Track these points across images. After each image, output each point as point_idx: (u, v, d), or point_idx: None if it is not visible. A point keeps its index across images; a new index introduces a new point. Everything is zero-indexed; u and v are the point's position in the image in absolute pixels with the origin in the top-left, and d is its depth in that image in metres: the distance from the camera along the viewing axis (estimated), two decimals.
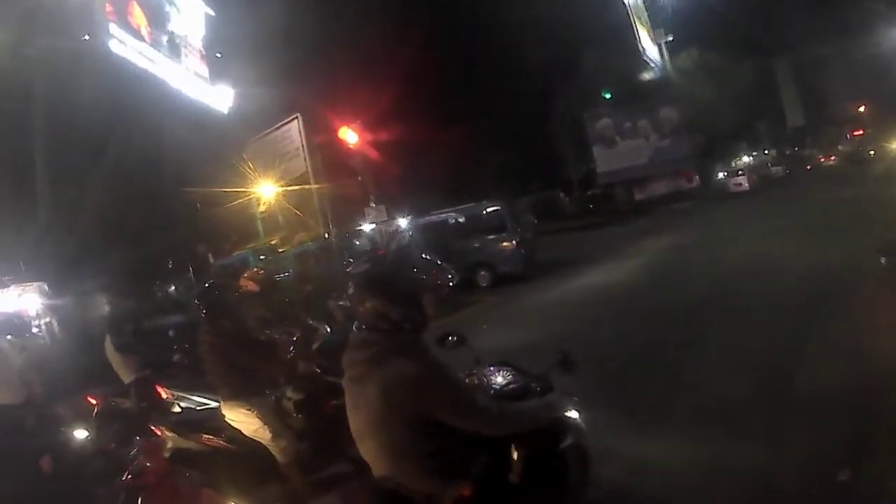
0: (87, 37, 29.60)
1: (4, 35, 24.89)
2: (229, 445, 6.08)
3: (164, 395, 7.95)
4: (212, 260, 33.22)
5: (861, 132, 78.73)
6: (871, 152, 55.92)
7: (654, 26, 57.71)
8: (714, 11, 53.66)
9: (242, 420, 5.97)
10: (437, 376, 3.11)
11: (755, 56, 57.84)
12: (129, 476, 4.60)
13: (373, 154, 30.84)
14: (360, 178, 31.28)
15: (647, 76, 56.09)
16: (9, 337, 7.54)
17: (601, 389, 7.27)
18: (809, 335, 9.21)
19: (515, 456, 3.46)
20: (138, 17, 32.31)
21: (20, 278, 23.71)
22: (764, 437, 6.05)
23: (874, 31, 35.90)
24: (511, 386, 4.14)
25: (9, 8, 26.35)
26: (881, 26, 34.40)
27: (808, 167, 73.01)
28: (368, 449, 3.26)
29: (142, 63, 31.47)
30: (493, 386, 4.15)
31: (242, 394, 5.98)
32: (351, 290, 3.33)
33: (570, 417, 3.87)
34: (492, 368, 4.35)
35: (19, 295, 22.26)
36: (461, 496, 3.22)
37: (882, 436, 5.57)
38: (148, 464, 4.70)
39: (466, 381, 4.05)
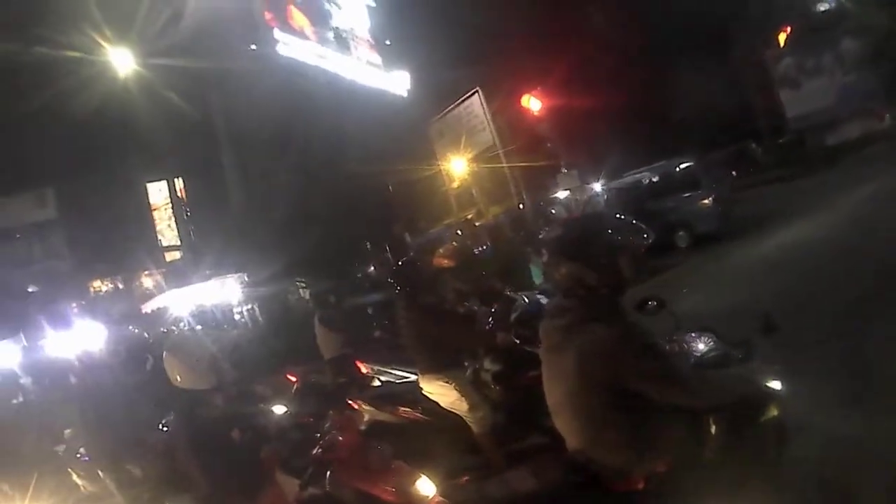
0: (253, 46, 31.40)
1: (181, 59, 26.55)
2: (425, 417, 6.20)
3: (364, 371, 8.18)
4: (408, 239, 33.94)
5: None
6: None
7: None
8: None
9: (440, 392, 6.08)
10: (637, 343, 2.99)
11: None
12: (320, 450, 4.66)
13: (558, 119, 30.48)
14: (548, 145, 31.04)
15: (821, 6, 52.21)
16: (198, 327, 8.01)
17: (806, 357, 6.58)
18: None
19: (713, 430, 3.27)
20: (299, 19, 34.33)
21: (220, 271, 25.28)
22: None
23: None
24: (712, 354, 3.91)
25: (176, 35, 28.22)
26: None
27: None
28: (563, 421, 3.21)
29: (312, 60, 33.36)
30: (694, 353, 3.94)
31: (440, 367, 6.09)
32: (545, 257, 3.19)
33: (771, 388, 3.55)
34: (692, 335, 4.11)
35: (221, 286, 23.69)
36: (654, 472, 3.08)
37: None
38: (340, 438, 4.75)
39: (666, 348, 3.82)
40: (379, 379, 8.10)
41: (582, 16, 39.94)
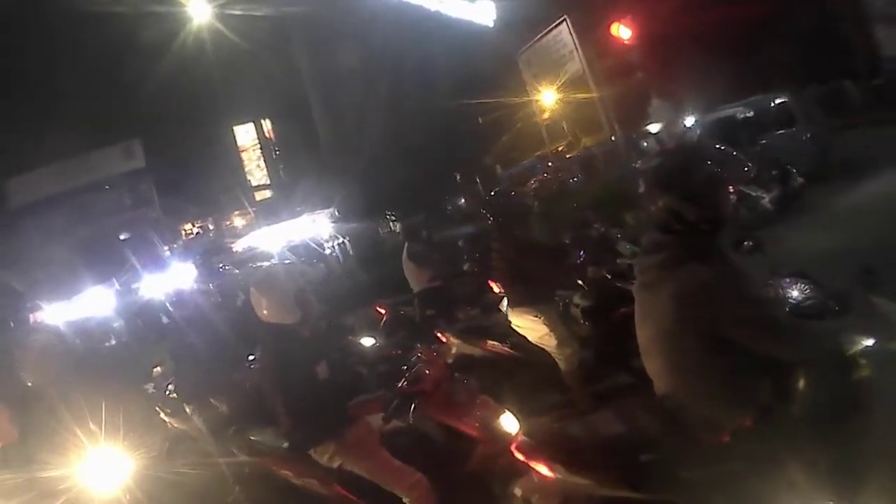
0: None
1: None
2: (512, 352, 6.24)
3: (496, 290, 8.08)
4: (499, 171, 33.86)
5: None
6: None
7: None
8: None
9: (529, 326, 6.03)
10: (736, 285, 2.88)
11: None
12: (406, 383, 4.65)
13: (650, 48, 29.61)
14: (639, 75, 30.30)
15: None
16: (287, 261, 8.13)
17: None
18: None
19: (802, 385, 3.05)
20: None
21: (311, 207, 25.75)
22: None
23: None
24: (808, 302, 3.66)
25: None
26: None
27: None
28: (653, 362, 3.16)
29: None
30: (789, 301, 3.72)
31: (530, 300, 6.03)
32: (642, 189, 3.04)
33: (866, 346, 3.30)
34: (787, 280, 3.87)
35: (311, 222, 24.12)
36: (741, 426, 2.96)
37: None
38: (426, 371, 4.74)
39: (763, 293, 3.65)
40: None
41: None
